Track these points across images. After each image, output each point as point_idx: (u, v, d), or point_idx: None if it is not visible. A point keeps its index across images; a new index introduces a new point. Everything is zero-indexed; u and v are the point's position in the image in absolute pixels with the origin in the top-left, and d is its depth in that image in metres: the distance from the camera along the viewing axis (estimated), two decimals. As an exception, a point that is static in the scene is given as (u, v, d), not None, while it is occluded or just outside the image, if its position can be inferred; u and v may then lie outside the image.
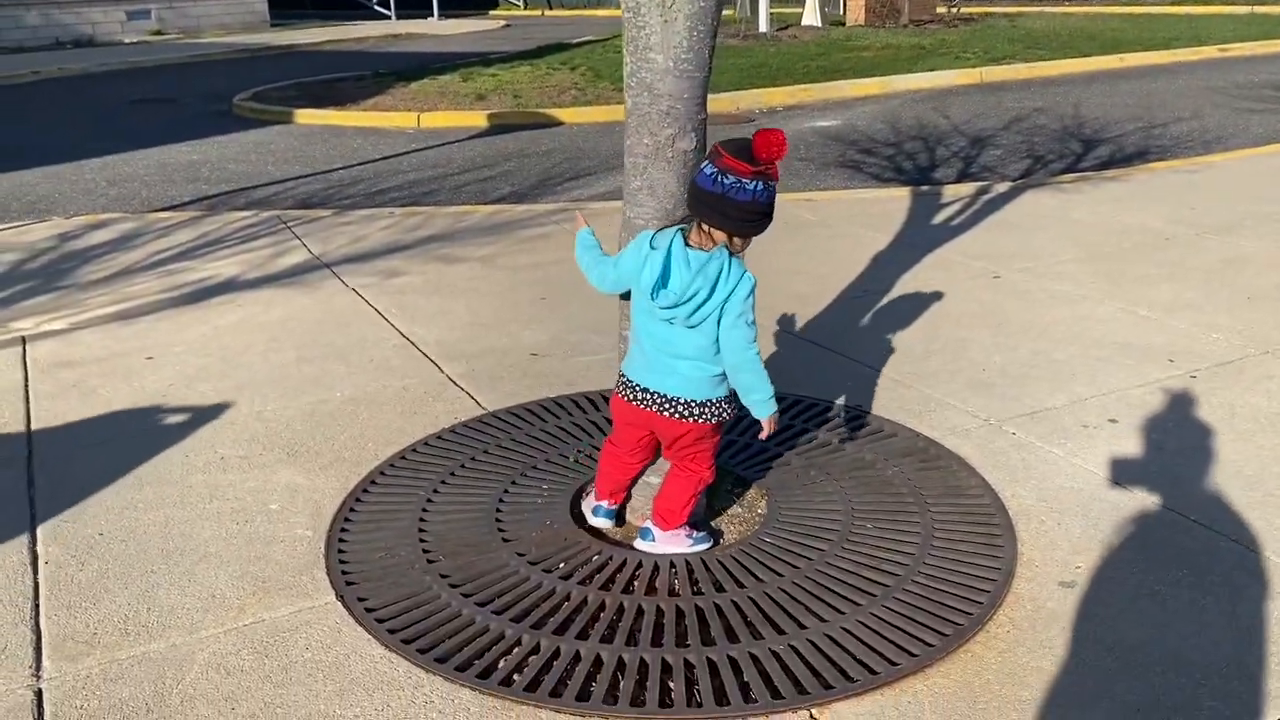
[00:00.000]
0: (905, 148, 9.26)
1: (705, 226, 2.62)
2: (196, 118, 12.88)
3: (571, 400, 3.98)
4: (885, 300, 5.01)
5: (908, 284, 5.22)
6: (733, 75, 13.37)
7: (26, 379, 4.27)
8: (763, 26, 16.99)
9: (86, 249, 6.28)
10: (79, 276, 5.72)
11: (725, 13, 21.52)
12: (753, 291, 2.66)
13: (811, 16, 18.33)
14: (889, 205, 6.85)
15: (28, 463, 3.54)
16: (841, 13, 19.26)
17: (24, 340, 4.72)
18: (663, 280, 2.61)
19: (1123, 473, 3.33)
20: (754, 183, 2.54)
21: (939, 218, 6.49)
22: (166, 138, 11.30)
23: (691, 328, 2.66)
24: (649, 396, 2.76)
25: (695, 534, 2.99)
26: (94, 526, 3.14)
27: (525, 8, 33.70)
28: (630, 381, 2.81)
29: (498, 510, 3.20)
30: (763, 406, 2.74)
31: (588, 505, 3.14)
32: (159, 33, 25.82)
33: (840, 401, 3.91)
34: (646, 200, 2.82)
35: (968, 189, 7.21)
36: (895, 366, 4.21)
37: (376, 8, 31.09)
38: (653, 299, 2.62)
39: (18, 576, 2.88)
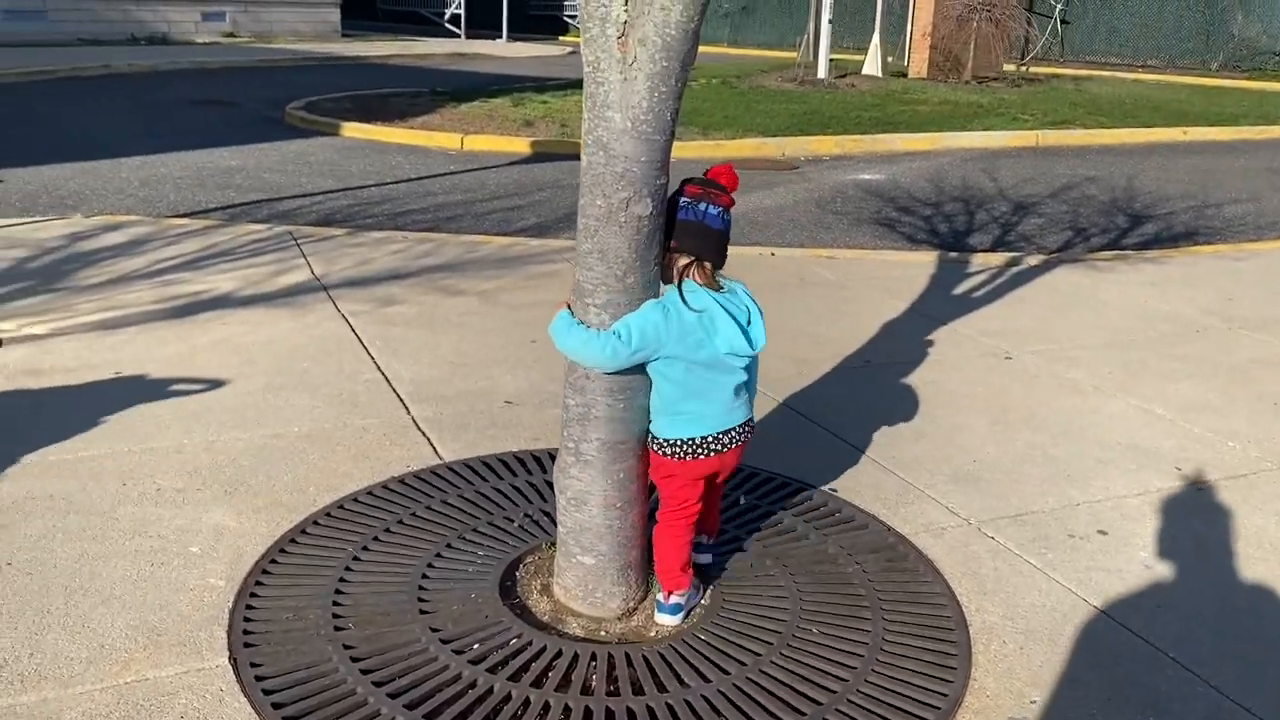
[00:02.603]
0: (945, 209, 9.00)
1: (708, 265, 2.64)
2: (247, 123, 12.98)
3: (533, 456, 3.80)
4: (886, 373, 4.77)
5: (913, 357, 4.98)
6: (783, 120, 13.20)
7: (-11, 385, 4.18)
8: (821, 73, 16.79)
9: (93, 251, 6.25)
10: (76, 279, 5.67)
11: (788, 54, 21.37)
12: None
13: (872, 66, 18.12)
14: (913, 269, 6.60)
15: (-40, 478, 3.43)
16: (905, 64, 19.02)
17: (0, 343, 4.65)
18: (745, 332, 2.64)
19: (1101, 594, 3.06)
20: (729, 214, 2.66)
21: (962, 287, 6.24)
22: (212, 141, 11.38)
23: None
24: (739, 433, 2.74)
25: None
26: (5, 555, 3.00)
27: (594, 35, 33.78)
28: (714, 435, 2.70)
29: (424, 576, 3.01)
30: None
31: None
32: (232, 35, 26.30)
33: (815, 483, 3.68)
34: (596, 264, 2.64)
35: (998, 259, 6.94)
36: (881, 449, 3.98)
37: (447, 25, 31.43)
38: (753, 349, 2.65)
39: (-91, 605, 2.75)
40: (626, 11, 2.46)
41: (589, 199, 2.61)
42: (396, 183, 9.54)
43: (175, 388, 4.27)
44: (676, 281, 2.64)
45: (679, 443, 2.69)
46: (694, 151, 11.83)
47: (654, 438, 2.74)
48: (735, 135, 12.37)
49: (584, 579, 2.86)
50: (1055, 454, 3.98)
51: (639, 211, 2.57)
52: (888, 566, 3.18)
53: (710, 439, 2.69)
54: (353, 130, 12.46)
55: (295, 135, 12.24)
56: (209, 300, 5.42)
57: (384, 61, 22.79)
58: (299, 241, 6.70)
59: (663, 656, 2.71)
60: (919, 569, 3.18)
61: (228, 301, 5.42)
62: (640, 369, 2.70)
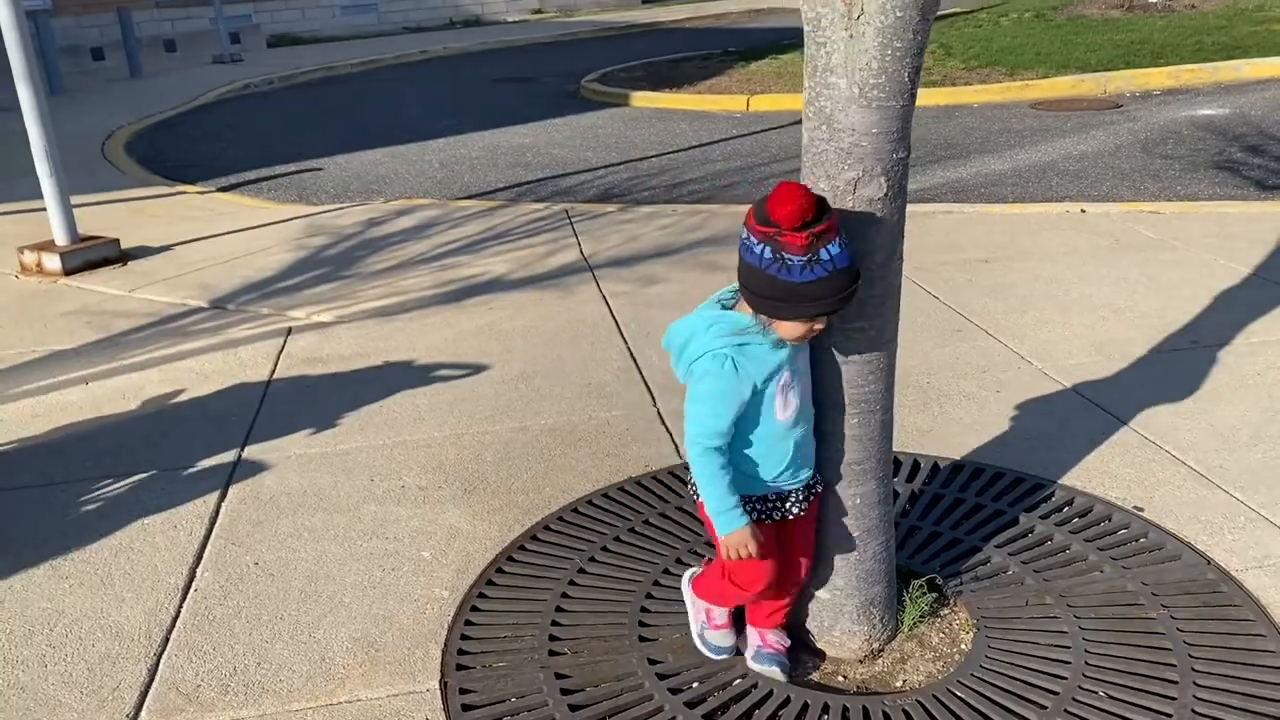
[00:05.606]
0: (1305, 146, 7.62)
1: None
2: (544, 98, 13.33)
3: (783, 458, 3.46)
4: (1217, 357, 3.99)
5: (1255, 337, 4.14)
6: (1105, 53, 11.80)
7: (271, 376, 4.40)
8: (1155, -6, 14.91)
9: (384, 236, 6.53)
10: (365, 266, 5.92)
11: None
12: (706, 371, 2.16)
13: (1219, -19, 15.82)
14: (1260, 225, 5.57)
15: (230, 473, 3.58)
16: (1261, -25, 16.51)
17: (289, 331, 4.91)
18: None
19: None
20: (760, 246, 2.05)
21: (1324, 245, 5.18)
22: (509, 119, 11.75)
23: None
24: None
25: (713, 633, 2.53)
26: (254, 553, 3.08)
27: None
28: None
29: (649, 595, 2.78)
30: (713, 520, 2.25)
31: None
32: (539, 11, 27.35)
33: (1113, 497, 3.09)
34: (822, 259, 2.25)
35: (1375, 206, 5.73)
36: (1205, 455, 3.29)
37: (744, -19, 31.01)
38: None
39: (165, 604, 2.86)
40: (851, -45, 2.05)
41: (810, 181, 2.23)
42: (677, 151, 9.38)
43: (436, 374, 4.31)
44: None
45: None
46: (999, 95, 10.84)
47: None
48: (1047, 74, 11.19)
49: (819, 614, 2.52)
50: None
51: (869, 194, 2.16)
52: (1204, 612, 2.59)
53: None
54: (641, 100, 12.46)
55: (587, 108, 12.41)
56: (481, 284, 5.47)
57: (678, 25, 22.84)
58: (573, 220, 6.68)
59: (907, 714, 2.32)
60: (1247, 617, 2.56)
61: (498, 285, 5.45)
62: (881, 380, 2.31)
